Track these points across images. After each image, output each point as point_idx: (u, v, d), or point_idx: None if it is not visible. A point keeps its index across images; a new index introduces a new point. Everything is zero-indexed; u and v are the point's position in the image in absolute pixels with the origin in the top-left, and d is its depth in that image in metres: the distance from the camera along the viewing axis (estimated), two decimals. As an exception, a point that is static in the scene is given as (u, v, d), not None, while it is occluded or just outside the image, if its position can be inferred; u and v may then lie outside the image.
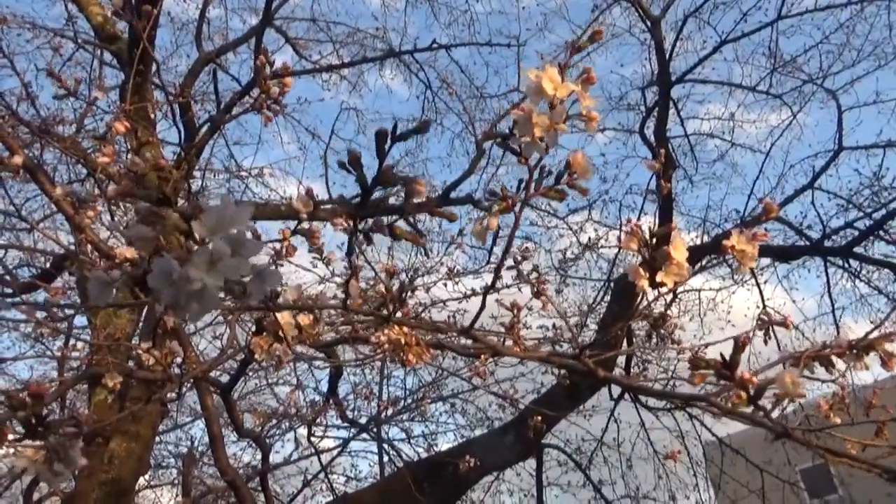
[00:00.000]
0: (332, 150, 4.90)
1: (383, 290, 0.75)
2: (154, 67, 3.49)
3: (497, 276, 0.67)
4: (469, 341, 0.94)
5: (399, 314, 0.79)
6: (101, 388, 3.02)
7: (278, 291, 0.66)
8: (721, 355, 0.58)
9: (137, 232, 0.42)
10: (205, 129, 3.55)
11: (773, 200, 0.82)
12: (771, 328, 0.84)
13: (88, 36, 3.95)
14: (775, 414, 0.67)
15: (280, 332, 0.80)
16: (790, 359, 0.66)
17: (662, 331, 0.88)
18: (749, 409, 0.57)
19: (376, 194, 0.54)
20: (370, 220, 0.56)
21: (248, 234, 0.41)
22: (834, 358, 0.68)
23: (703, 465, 4.99)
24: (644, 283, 0.63)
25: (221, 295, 0.43)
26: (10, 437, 0.56)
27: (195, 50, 4.23)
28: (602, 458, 4.92)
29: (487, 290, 0.68)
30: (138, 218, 0.43)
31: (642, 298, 0.84)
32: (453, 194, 4.41)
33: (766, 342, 0.80)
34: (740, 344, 0.58)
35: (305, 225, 0.76)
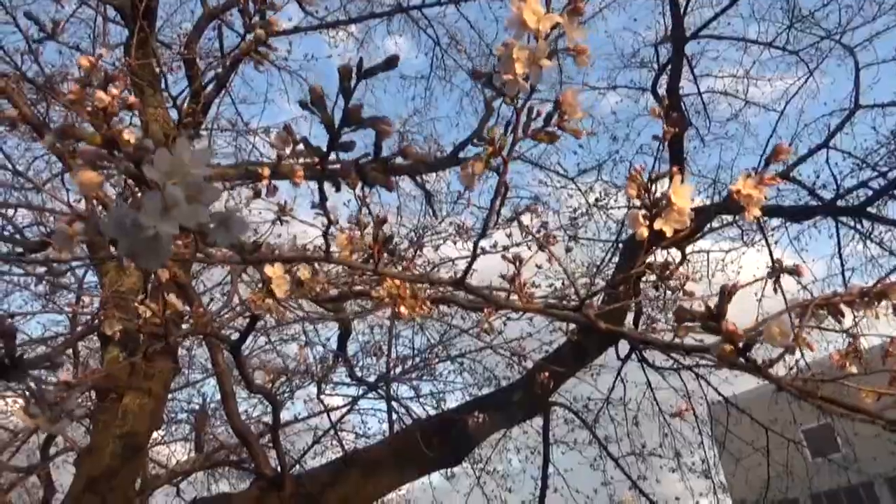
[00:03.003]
0: (339, 108, 4.84)
1: (371, 241, 0.74)
2: (157, 24, 3.45)
3: (488, 223, 0.65)
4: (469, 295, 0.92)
5: (397, 267, 0.77)
6: (112, 345, 3.06)
7: (259, 243, 0.65)
8: (706, 305, 0.56)
9: (82, 176, 0.40)
10: (210, 85, 3.51)
11: (784, 162, 0.79)
12: (780, 278, 0.82)
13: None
14: (782, 369, 0.66)
15: (269, 286, 0.79)
16: (797, 308, 0.64)
17: (672, 282, 0.87)
18: (740, 362, 0.56)
19: (345, 136, 0.52)
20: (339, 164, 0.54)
21: (207, 180, 0.39)
22: (843, 306, 0.66)
23: (709, 424, 5.03)
24: (643, 230, 0.61)
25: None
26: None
27: (200, 6, 4.16)
28: (608, 416, 4.98)
29: (480, 236, 0.67)
30: (83, 161, 0.41)
31: (647, 250, 0.83)
32: (462, 154, 4.37)
33: (775, 290, 0.78)
34: (727, 293, 0.56)
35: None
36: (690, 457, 5.11)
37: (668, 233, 0.60)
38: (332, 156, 0.74)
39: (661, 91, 4.64)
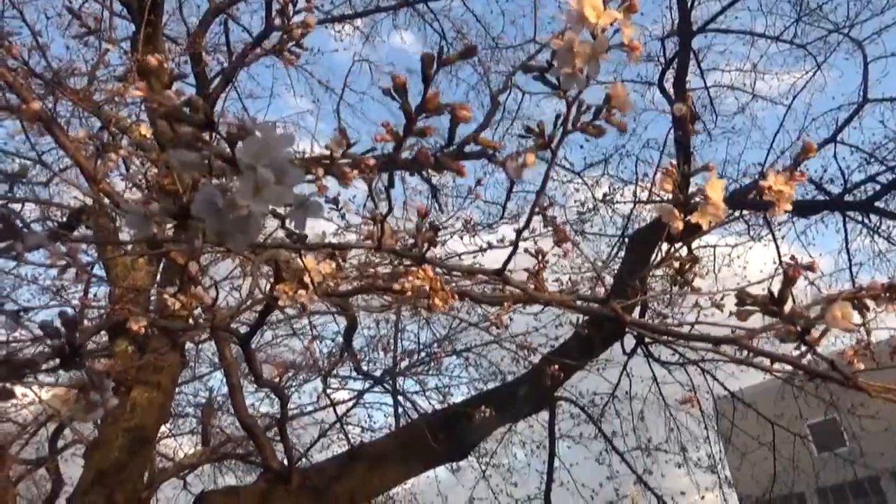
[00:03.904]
0: (345, 102, 4.84)
1: (414, 230, 0.74)
2: (164, 19, 3.45)
3: (532, 215, 0.66)
4: (491, 291, 0.93)
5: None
6: (121, 338, 3.07)
7: (305, 234, 0.66)
8: (769, 290, 0.57)
9: (182, 157, 0.41)
10: (217, 80, 3.51)
11: (792, 155, 0.80)
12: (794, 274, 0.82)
13: (97, -15, 3.88)
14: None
15: (305, 278, 0.80)
16: (824, 301, 0.65)
17: (687, 276, 0.86)
18: (796, 345, 0.56)
19: (420, 122, 0.53)
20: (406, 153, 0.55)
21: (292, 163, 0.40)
22: (868, 301, 0.66)
23: (714, 419, 5.04)
24: (678, 224, 0.61)
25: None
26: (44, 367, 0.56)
27: (205, 1, 4.16)
28: (614, 411, 4.98)
29: (525, 225, 0.67)
30: (182, 142, 0.42)
31: (660, 248, 0.83)
32: (467, 149, 4.37)
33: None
34: (790, 277, 0.56)
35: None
36: (696, 451, 5.13)
37: (704, 226, 0.60)
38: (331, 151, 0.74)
39: (668, 85, 4.64)
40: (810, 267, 0.93)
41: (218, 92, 3.59)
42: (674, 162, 0.62)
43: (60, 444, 4.09)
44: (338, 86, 5.53)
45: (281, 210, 0.46)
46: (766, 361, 0.74)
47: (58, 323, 0.55)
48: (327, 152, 0.67)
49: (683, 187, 0.65)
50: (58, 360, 0.55)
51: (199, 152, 0.41)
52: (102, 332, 3.20)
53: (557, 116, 0.58)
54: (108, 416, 3.03)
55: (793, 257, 0.94)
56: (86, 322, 3.17)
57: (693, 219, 0.60)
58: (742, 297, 0.57)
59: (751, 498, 5.69)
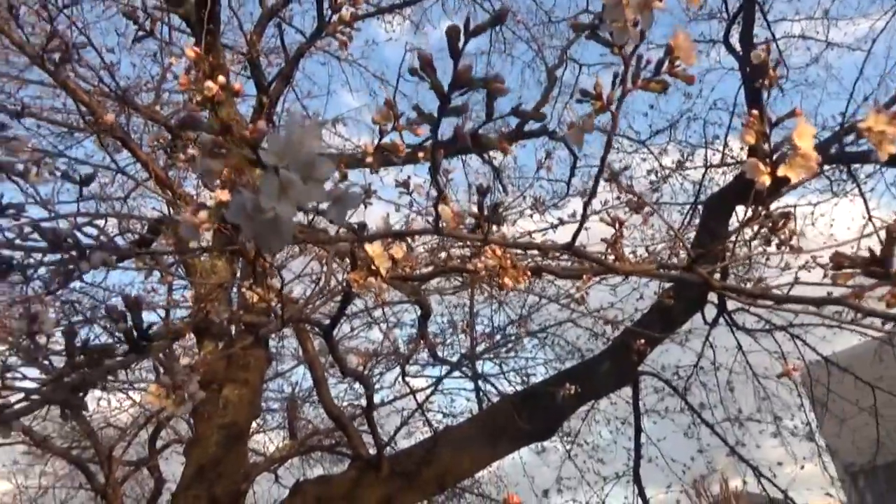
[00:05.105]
0: (401, 93, 4.85)
1: (475, 210, 0.73)
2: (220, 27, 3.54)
3: (598, 181, 0.63)
4: (568, 263, 0.90)
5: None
6: (208, 340, 3.20)
7: (365, 222, 0.65)
8: (870, 249, 0.52)
9: (204, 166, 0.41)
10: (275, 82, 3.59)
11: (877, 102, 0.72)
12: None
13: (157, 1, 4.01)
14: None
15: (372, 265, 0.80)
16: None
17: (783, 235, 0.80)
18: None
19: (456, 101, 0.51)
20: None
21: (320, 154, 0.38)
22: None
23: (809, 385, 4.82)
24: (765, 178, 0.57)
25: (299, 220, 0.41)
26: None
27: (258, 6, 4.24)
28: (699, 383, 4.84)
29: (590, 195, 0.64)
30: (203, 151, 0.41)
31: (745, 209, 0.78)
32: (526, 127, 4.32)
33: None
34: (893, 234, 0.51)
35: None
36: (791, 420, 4.93)
37: (794, 179, 0.56)
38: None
39: (734, 41, 4.42)
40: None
41: (277, 93, 3.67)
42: (755, 112, 0.58)
43: (159, 444, 4.31)
44: (392, 78, 5.55)
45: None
46: (873, 322, 0.68)
47: (121, 306, 0.56)
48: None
49: (767, 138, 0.60)
50: (126, 346, 0.56)
51: (220, 158, 0.41)
52: (190, 335, 3.34)
53: (615, 76, 0.54)
54: (204, 414, 3.16)
55: None
56: (173, 322, 3.32)
57: (781, 171, 0.56)
58: (838, 260, 0.52)
59: (854, 466, 5.44)
